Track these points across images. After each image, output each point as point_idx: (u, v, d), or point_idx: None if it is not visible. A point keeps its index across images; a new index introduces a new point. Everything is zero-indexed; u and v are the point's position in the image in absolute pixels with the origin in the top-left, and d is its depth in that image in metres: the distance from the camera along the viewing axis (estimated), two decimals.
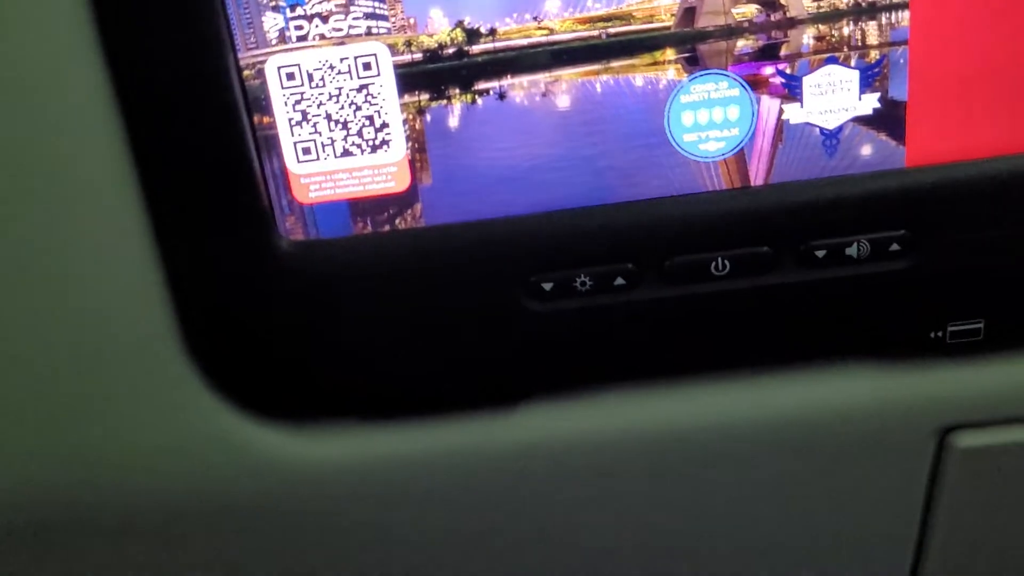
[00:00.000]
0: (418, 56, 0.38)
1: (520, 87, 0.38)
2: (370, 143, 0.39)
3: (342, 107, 0.39)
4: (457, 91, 0.38)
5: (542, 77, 0.38)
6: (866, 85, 0.38)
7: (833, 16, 0.37)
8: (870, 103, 0.38)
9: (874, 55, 0.38)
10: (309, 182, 0.40)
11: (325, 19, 0.37)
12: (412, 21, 0.37)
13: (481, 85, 0.38)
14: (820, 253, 0.39)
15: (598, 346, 0.42)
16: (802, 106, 0.38)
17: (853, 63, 0.38)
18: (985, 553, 0.48)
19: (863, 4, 0.37)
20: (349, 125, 0.39)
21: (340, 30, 0.37)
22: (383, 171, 0.40)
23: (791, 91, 0.38)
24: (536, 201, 0.40)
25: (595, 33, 0.38)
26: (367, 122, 0.39)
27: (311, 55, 0.38)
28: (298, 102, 0.38)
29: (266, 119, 0.39)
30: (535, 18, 0.37)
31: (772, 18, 0.38)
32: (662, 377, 0.44)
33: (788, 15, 0.37)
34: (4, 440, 0.43)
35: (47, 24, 0.36)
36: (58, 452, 0.43)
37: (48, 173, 0.39)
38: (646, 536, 0.49)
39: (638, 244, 0.40)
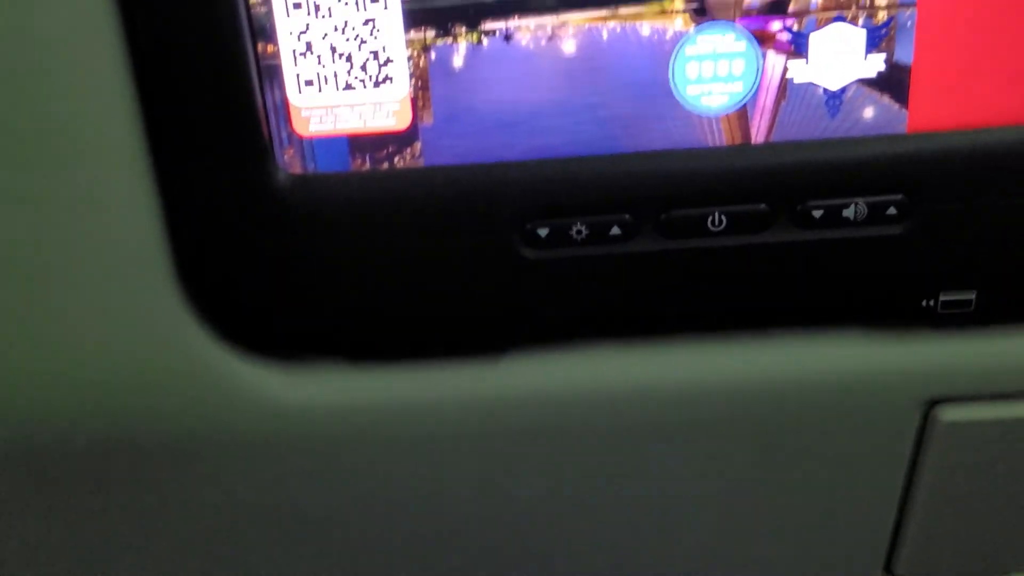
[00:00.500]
0: None
1: (527, 29, 0.38)
2: (373, 78, 0.39)
3: (347, 39, 0.38)
4: (463, 30, 0.38)
5: (549, 20, 0.38)
6: (872, 46, 0.38)
7: None
8: (875, 65, 0.38)
9: (882, 15, 0.38)
10: (310, 115, 0.40)
11: None
12: None
13: (488, 25, 0.38)
14: (817, 213, 0.39)
15: (590, 298, 0.42)
16: (807, 64, 0.38)
17: (861, 22, 0.38)
18: (965, 528, 0.48)
19: None
20: (353, 58, 0.39)
21: None
22: (384, 107, 0.39)
23: (797, 48, 0.38)
24: (536, 147, 0.40)
25: None
26: (371, 56, 0.39)
27: None
28: (303, 32, 0.38)
29: (270, 48, 0.39)
30: None
31: None
32: (651, 334, 0.44)
33: None
34: None
35: None
36: (38, 373, 0.43)
37: (45, 94, 0.38)
38: (623, 497, 0.49)
39: (636, 195, 0.40)
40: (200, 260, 0.41)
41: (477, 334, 0.43)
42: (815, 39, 0.38)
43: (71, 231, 0.40)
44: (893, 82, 0.38)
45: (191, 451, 0.46)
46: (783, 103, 0.39)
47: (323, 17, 0.38)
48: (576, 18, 0.38)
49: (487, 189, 0.40)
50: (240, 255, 0.41)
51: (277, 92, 0.39)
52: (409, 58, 0.39)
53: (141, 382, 0.43)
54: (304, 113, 0.40)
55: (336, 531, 0.50)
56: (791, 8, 0.38)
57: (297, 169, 0.40)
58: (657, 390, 0.44)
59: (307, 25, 0.38)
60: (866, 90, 0.39)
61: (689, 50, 0.38)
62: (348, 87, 0.39)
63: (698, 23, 0.38)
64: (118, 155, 0.39)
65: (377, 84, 0.39)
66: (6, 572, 0.52)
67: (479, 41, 0.38)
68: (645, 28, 0.38)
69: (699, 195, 0.39)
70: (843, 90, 0.39)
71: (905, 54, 0.38)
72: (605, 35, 0.38)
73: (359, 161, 0.40)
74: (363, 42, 0.38)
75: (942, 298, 0.41)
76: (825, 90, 0.39)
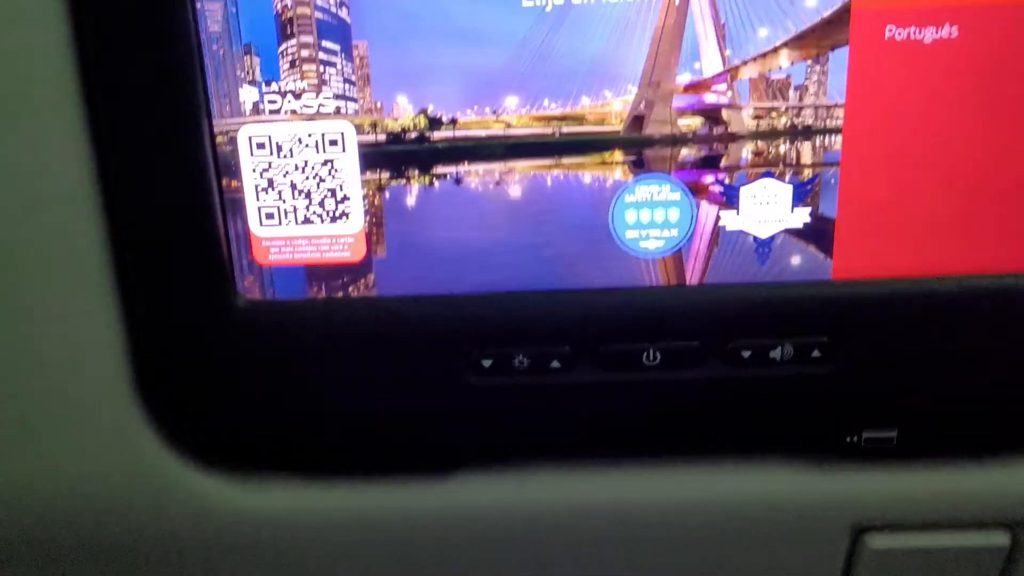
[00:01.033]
0: (382, 137, 0.40)
1: (476, 174, 0.41)
2: (330, 213, 0.41)
3: (307, 178, 0.41)
4: (416, 172, 0.41)
5: (497, 167, 0.41)
6: (799, 200, 0.41)
7: (771, 135, 0.40)
8: (802, 217, 0.41)
9: (807, 172, 0.40)
10: (270, 245, 0.42)
11: (298, 96, 0.40)
12: (379, 105, 0.40)
13: (439, 169, 0.41)
14: (746, 353, 0.42)
15: (531, 423, 0.44)
16: (738, 214, 0.41)
17: (787, 179, 0.40)
18: None
19: (799, 127, 0.40)
20: (312, 195, 0.41)
21: (311, 107, 0.40)
22: (340, 241, 0.42)
23: (728, 199, 0.41)
24: (483, 281, 0.42)
25: (549, 131, 0.40)
26: (329, 194, 0.41)
27: (281, 128, 0.40)
28: (265, 170, 0.41)
29: (234, 183, 0.41)
30: (495, 112, 0.40)
31: (715, 132, 0.40)
32: (589, 457, 0.46)
33: (730, 130, 0.40)
34: None
35: (30, 64, 0.39)
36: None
37: (21, 214, 0.41)
38: None
39: (575, 330, 0.42)
40: (161, 377, 0.43)
41: (426, 454, 0.45)
42: (745, 192, 0.41)
43: (40, 346, 0.42)
44: (818, 233, 0.41)
45: (148, 554, 0.48)
46: (716, 249, 0.41)
47: (285, 157, 0.41)
48: (522, 165, 0.41)
49: (436, 320, 0.42)
50: (199, 374, 0.43)
51: (239, 223, 0.42)
52: (365, 196, 0.41)
53: (100, 488, 0.45)
54: (264, 243, 0.42)
55: None
56: (723, 163, 0.41)
57: (256, 295, 0.42)
58: (598, 509, 0.46)
59: (269, 163, 0.41)
60: (793, 239, 0.41)
61: (628, 198, 0.41)
62: (307, 221, 0.42)
63: (636, 174, 0.41)
64: (85, 275, 0.41)
65: (334, 219, 0.41)
66: None
67: (431, 183, 0.41)
68: (587, 176, 0.41)
69: (635, 332, 0.42)
70: (772, 239, 0.41)
71: (829, 208, 0.41)
72: (549, 181, 0.41)
73: (315, 289, 0.42)
74: (321, 180, 0.41)
75: (865, 435, 0.43)
76: (755, 238, 0.41)
